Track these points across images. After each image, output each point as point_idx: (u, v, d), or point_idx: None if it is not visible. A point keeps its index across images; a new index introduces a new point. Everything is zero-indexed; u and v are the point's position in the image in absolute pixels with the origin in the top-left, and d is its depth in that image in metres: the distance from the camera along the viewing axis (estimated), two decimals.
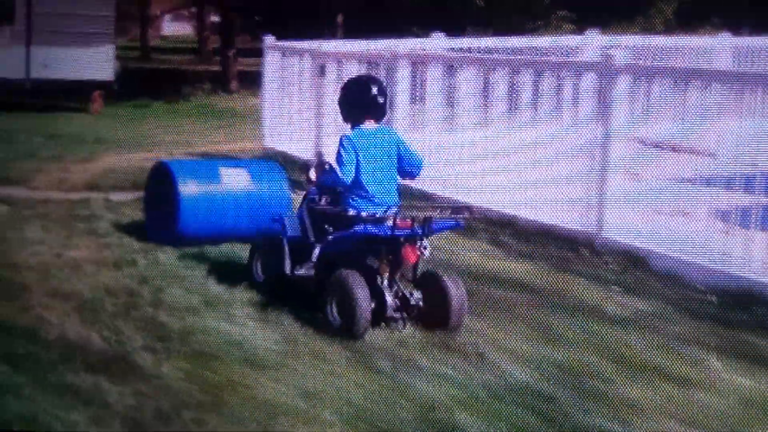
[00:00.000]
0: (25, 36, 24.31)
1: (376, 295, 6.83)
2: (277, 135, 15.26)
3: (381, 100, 7.30)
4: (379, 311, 6.83)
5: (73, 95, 25.45)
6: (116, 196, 12.24)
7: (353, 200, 7.17)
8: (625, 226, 9.60)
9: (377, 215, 7.05)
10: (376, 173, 7.17)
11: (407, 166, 7.37)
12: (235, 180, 9.43)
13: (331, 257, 7.20)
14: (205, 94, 28.41)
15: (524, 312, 7.83)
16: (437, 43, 15.23)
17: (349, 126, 7.39)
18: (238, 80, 30.14)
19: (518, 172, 10.87)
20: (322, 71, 13.73)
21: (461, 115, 11.95)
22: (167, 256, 9.17)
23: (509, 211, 10.75)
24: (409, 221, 6.89)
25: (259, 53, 15.15)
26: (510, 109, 11.59)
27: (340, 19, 33.12)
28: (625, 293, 8.54)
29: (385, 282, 6.94)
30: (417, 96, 12.33)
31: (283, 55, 15.05)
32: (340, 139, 7.25)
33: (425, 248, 6.88)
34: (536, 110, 11.77)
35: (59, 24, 24.46)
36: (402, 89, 12.26)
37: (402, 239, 6.82)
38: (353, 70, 13.30)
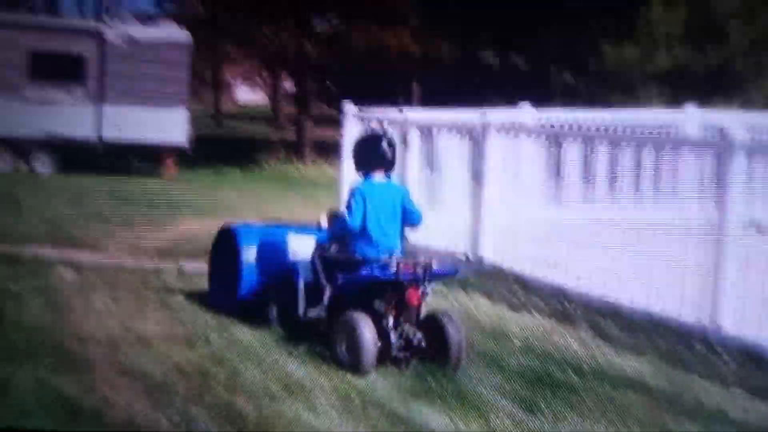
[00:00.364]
0: (97, 95, 23.98)
1: (382, 335, 7.35)
2: None
3: (390, 154, 8.01)
4: (386, 350, 7.34)
5: (146, 158, 25.13)
6: (190, 266, 11.58)
7: (359, 246, 7.73)
8: (745, 319, 8.71)
9: (381, 260, 7.57)
10: (381, 221, 7.77)
11: (409, 218, 8.01)
12: (302, 247, 8.59)
13: (340, 300, 7.71)
14: (281, 163, 27.88)
15: (640, 414, 7.03)
16: (528, 114, 14.52)
17: (361, 176, 8.02)
18: (313, 149, 29.64)
19: (622, 255, 10.04)
20: (404, 141, 13.03)
21: (558, 191, 11.18)
22: (244, 333, 8.49)
23: (612, 297, 9.92)
24: (411, 266, 7.43)
25: (333, 121, 14.53)
26: (613, 186, 10.80)
27: (415, 88, 32.58)
28: (748, 396, 7.65)
29: (391, 323, 7.44)
30: (510, 169, 11.60)
31: (364, 123, 14.39)
32: (351, 189, 7.91)
33: (427, 292, 7.49)
34: (643, 188, 11.02)
35: (133, 84, 24.14)
36: (494, 161, 11.52)
37: (405, 283, 7.39)
38: (442, 139, 12.67)
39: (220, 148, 29.28)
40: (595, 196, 10.83)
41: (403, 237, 8.06)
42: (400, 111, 13.52)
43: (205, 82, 47.47)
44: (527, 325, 9.60)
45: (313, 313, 7.94)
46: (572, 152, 10.90)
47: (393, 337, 7.42)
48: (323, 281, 7.90)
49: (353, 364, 7.32)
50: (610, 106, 20.48)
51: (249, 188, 22.12)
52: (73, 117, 23.59)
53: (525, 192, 11.57)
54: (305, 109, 31.49)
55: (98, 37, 23.90)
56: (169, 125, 24.24)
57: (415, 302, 7.48)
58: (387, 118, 13.96)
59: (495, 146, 11.57)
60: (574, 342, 9.01)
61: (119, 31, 24.29)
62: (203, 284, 10.28)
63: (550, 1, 26.58)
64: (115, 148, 24.50)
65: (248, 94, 75.25)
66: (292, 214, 16.44)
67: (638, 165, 11.30)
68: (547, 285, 10.66)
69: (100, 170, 23.75)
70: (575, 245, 10.60)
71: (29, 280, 9.94)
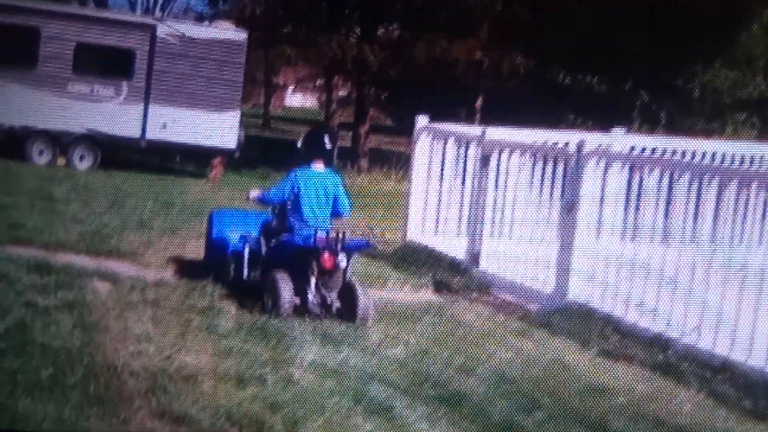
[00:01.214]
0: (143, 93, 22.88)
1: (300, 292, 9.01)
2: (425, 227, 13.32)
3: (329, 147, 9.54)
4: (302, 305, 9.01)
5: (191, 160, 24.03)
6: None
7: (292, 221, 9.35)
8: None
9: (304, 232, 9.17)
10: (312, 203, 9.37)
11: (337, 207, 9.58)
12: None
13: (272, 263, 9.30)
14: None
15: None
16: (620, 140, 13.26)
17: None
18: (368, 158, 28.36)
19: (734, 305, 8.73)
20: (486, 161, 11.78)
21: (660, 226, 9.86)
22: (303, 373, 7.27)
23: (723, 352, 8.62)
24: (325, 237, 9.04)
25: (389, 131, 13.35)
26: (721, 224, 9.48)
27: (479, 103, 31.27)
28: None
29: (312, 284, 9.07)
30: (607, 199, 10.30)
31: (435, 137, 13.17)
32: (289, 171, 9.43)
33: (341, 260, 9.08)
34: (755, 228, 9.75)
35: (182, 84, 23.06)
36: (590, 190, 10.23)
37: (321, 250, 8.98)
38: (526, 161, 11.42)
39: (267, 150, 28.04)
40: (702, 234, 9.49)
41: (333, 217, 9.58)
42: (482, 129, 12.21)
43: (255, 81, 46.50)
44: (627, 378, 8.31)
45: (254, 275, 9.52)
46: (681, 185, 9.57)
47: (309, 295, 9.05)
48: (263, 249, 9.55)
49: (273, 312, 8.88)
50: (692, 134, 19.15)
51: None
52: (117, 114, 22.43)
53: (622, 225, 10.26)
54: (363, 117, 30.21)
55: (150, 33, 22.76)
56: (220, 129, 23.16)
57: (328, 266, 9.06)
58: (463, 134, 12.74)
59: (592, 174, 10.25)
60: (687, 404, 7.72)
61: (172, 27, 23.14)
62: (254, 303, 9.12)
63: (638, 20, 25.11)
64: (159, 149, 23.39)
65: (297, 98, 74.59)
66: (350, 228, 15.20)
67: (746, 202, 10.07)
68: (645, 330, 9.38)
69: (142, 169, 22.73)
70: (679, 289, 9.31)
71: (60, 293, 8.69)
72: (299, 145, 9.69)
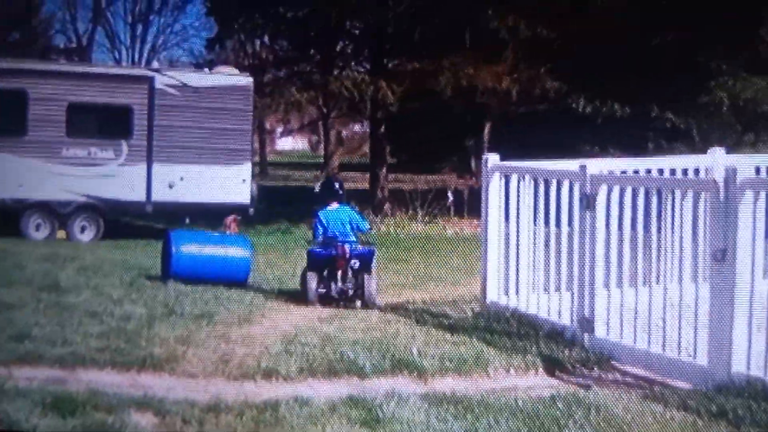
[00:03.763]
0: (145, 152, 20.72)
1: (326, 285, 12.87)
2: (509, 285, 11.10)
3: (339, 191, 13.34)
4: (327, 294, 12.82)
5: (202, 220, 21.77)
6: (313, 388, 8.20)
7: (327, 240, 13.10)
8: None
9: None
10: (336, 229, 13.08)
11: (357, 226, 13.27)
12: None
13: (313, 267, 12.98)
14: None
15: None
16: (721, 161, 11.18)
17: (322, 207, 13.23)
18: (390, 201, 26.13)
19: None
20: (590, 202, 9.55)
21: None
22: None
23: None
24: (343, 248, 12.91)
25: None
26: None
27: (486, 130, 29.10)
28: None
29: (339, 279, 12.87)
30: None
31: (512, 177, 11.00)
32: (316, 214, 13.31)
33: (355, 263, 12.91)
34: None
35: (187, 138, 20.97)
36: (745, 230, 8.00)
37: (338, 257, 12.88)
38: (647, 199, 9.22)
39: (276, 199, 25.83)
40: None
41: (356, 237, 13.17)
42: (579, 164, 9.98)
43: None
44: None
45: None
46: None
47: (333, 286, 12.84)
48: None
49: (306, 299, 12.72)
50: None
51: None
52: (119, 177, 20.22)
53: None
54: (380, 157, 28.00)
55: (147, 85, 20.60)
56: (231, 184, 20.97)
57: (340, 267, 12.84)
58: (552, 171, 10.54)
59: (749, 209, 8.01)
60: None
61: (172, 77, 20.97)
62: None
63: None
64: (167, 211, 21.17)
65: (287, 141, 72.78)
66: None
67: None
68: None
69: (150, 236, 20.39)
70: None
71: None
72: (317, 190, 13.90)
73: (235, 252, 14.17)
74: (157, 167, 20.75)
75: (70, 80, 20.35)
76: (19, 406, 7.00)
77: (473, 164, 30.99)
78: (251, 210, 21.76)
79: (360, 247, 13.00)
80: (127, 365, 8.68)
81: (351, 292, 12.76)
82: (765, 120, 23.91)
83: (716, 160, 11.80)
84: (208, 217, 21.08)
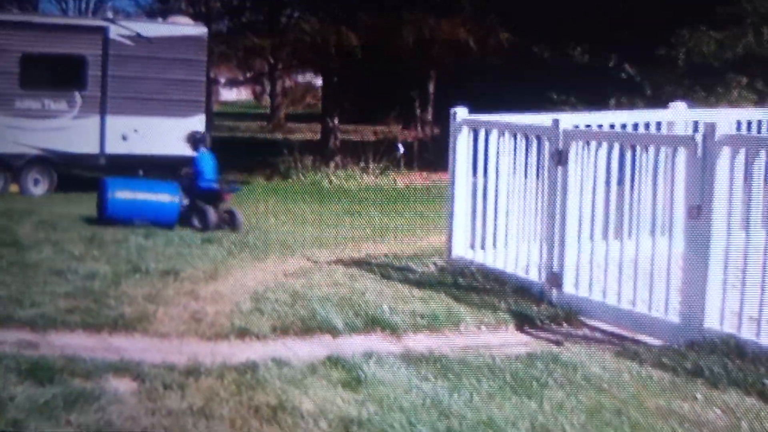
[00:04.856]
0: (99, 104, 20.36)
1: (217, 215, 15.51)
2: (475, 240, 11.11)
3: (204, 140, 16.61)
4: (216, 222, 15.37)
5: (156, 172, 21.46)
6: (287, 347, 8.16)
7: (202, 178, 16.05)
8: None
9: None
10: (210, 168, 16.21)
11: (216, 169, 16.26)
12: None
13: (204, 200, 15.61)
14: (308, 170, 24.00)
15: None
16: (682, 115, 11.21)
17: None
18: (341, 153, 25.97)
19: None
20: (561, 157, 9.54)
21: None
22: None
23: None
24: (221, 184, 16.25)
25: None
26: None
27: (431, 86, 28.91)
28: None
29: (219, 209, 15.59)
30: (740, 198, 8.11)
31: (481, 131, 10.95)
32: (194, 157, 16.36)
33: (228, 197, 15.98)
34: None
35: (141, 90, 20.57)
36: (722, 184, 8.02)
37: (223, 192, 15.98)
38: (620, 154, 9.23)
39: (228, 152, 25.47)
40: None
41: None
42: (552, 119, 9.95)
43: None
44: None
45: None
46: None
47: (216, 216, 15.41)
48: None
49: (203, 228, 15.17)
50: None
51: (290, 210, 18.35)
52: (72, 130, 19.88)
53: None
54: (332, 108, 27.78)
55: (101, 36, 20.22)
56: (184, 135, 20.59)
57: (226, 199, 15.89)
58: (522, 126, 10.50)
59: (727, 167, 8.04)
60: None
61: (125, 27, 20.59)
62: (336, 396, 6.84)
63: None
64: (121, 164, 20.86)
65: (230, 93, 72.04)
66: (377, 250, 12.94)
67: None
68: None
69: None
70: None
71: (75, 415, 6.28)
72: (186, 140, 16.71)
73: (165, 197, 15.39)
74: (110, 119, 20.42)
75: (24, 30, 19.89)
76: None
77: (419, 115, 30.80)
78: None
79: (228, 185, 16.55)
80: (98, 327, 8.58)
81: (227, 220, 15.27)
82: (717, 75, 23.93)
83: (678, 115, 11.83)
84: (162, 169, 20.78)
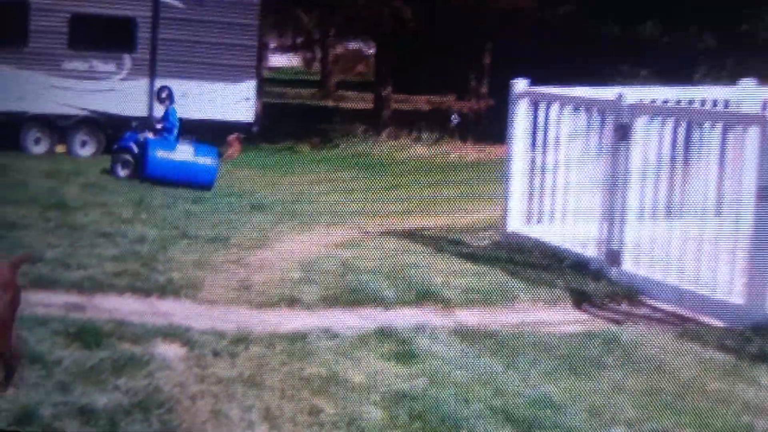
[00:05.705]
0: (148, 66, 20.20)
1: None
2: (531, 215, 10.84)
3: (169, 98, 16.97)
4: None
5: (205, 138, 21.33)
6: (337, 318, 7.96)
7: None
8: None
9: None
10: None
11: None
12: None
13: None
14: (359, 139, 23.68)
15: None
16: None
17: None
18: (393, 122, 25.65)
19: None
20: (624, 132, 9.25)
21: None
22: None
23: None
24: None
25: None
26: None
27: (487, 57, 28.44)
28: None
29: None
30: None
31: (541, 104, 10.67)
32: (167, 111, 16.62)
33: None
34: None
35: (191, 53, 20.37)
36: None
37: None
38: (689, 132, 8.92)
39: (276, 117, 25.35)
40: None
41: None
42: (615, 93, 9.66)
43: None
44: None
45: None
46: None
47: None
48: None
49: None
50: None
51: (338, 178, 18.09)
52: (120, 92, 19.73)
53: None
54: (386, 77, 27.46)
55: None
56: (234, 100, 20.44)
57: None
58: (585, 99, 10.21)
59: None
60: None
61: None
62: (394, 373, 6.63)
63: None
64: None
65: (281, 59, 71.82)
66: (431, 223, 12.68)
67: None
68: None
69: None
70: None
71: (122, 380, 6.11)
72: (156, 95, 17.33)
73: (203, 160, 15.67)
74: (159, 82, 20.20)
75: None
76: (41, 337, 6.71)
77: (474, 86, 30.32)
78: (255, 128, 21.29)
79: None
80: (147, 291, 8.41)
81: None
82: None
83: (748, 92, 11.47)
84: (211, 134, 20.64)
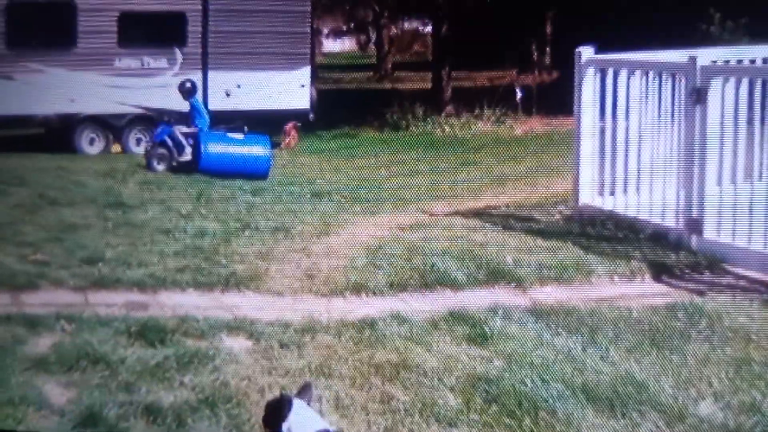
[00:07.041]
0: (200, 60, 20.02)
1: None
2: (603, 186, 10.45)
3: (192, 89, 17.29)
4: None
5: (261, 128, 21.13)
6: (406, 303, 7.68)
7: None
8: None
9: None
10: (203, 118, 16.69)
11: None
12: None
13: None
14: (419, 120, 23.35)
15: None
16: None
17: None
18: (454, 101, 25.31)
19: None
20: (698, 96, 8.84)
21: None
22: None
23: None
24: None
25: None
26: None
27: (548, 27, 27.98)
28: None
29: None
30: None
31: (609, 71, 10.28)
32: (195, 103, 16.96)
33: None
34: None
35: (243, 44, 20.16)
36: None
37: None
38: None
39: (334, 105, 25.05)
40: None
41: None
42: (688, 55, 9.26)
43: None
44: None
45: None
46: None
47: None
48: None
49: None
50: None
51: (403, 161, 17.75)
52: (173, 87, 19.55)
53: None
54: (444, 56, 27.09)
55: None
56: (290, 89, 20.22)
57: None
58: (655, 64, 9.81)
59: None
60: None
61: None
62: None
63: None
64: (224, 120, 20.49)
65: (334, 44, 71.74)
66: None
67: None
68: None
69: None
70: None
71: (189, 377, 5.86)
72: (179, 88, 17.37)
73: (257, 150, 15.61)
74: (212, 75, 20.07)
75: None
76: (105, 338, 6.49)
77: (536, 58, 29.75)
78: (311, 116, 21.04)
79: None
80: (210, 285, 8.16)
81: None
82: None
83: None
84: (267, 124, 20.43)
